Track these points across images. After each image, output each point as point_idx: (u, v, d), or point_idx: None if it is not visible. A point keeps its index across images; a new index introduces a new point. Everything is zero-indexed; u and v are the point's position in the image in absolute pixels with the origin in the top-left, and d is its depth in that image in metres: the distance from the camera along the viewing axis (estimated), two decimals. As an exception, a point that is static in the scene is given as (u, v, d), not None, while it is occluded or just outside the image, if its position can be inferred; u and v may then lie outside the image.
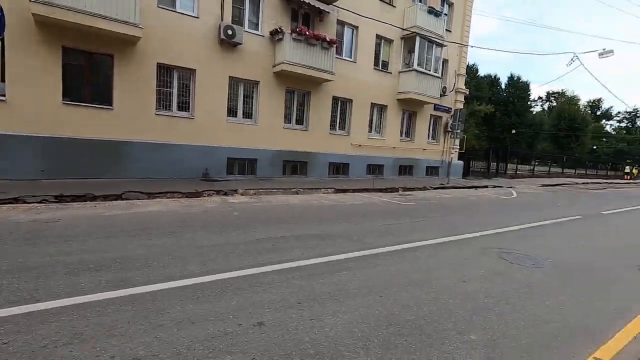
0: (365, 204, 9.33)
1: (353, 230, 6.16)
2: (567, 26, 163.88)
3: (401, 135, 17.10)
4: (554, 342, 2.89)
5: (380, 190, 12.09)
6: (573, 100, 54.52)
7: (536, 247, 5.94)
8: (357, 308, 3.18)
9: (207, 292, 3.26)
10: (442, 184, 14.98)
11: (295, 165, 13.45)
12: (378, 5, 14.75)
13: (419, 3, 15.94)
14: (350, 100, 14.67)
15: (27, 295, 2.95)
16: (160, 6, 9.86)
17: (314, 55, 12.17)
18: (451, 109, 18.31)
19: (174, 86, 10.50)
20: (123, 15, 8.54)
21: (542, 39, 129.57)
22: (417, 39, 15.35)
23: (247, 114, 12.12)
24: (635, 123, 57.90)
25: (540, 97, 62.36)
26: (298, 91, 13.15)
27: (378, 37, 15.08)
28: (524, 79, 44.79)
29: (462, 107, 18.81)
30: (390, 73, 15.81)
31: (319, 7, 12.35)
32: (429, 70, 16.04)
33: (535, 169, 30.08)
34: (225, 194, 9.05)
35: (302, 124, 13.49)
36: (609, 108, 61.13)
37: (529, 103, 46.85)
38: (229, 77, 11.36)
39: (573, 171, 35.25)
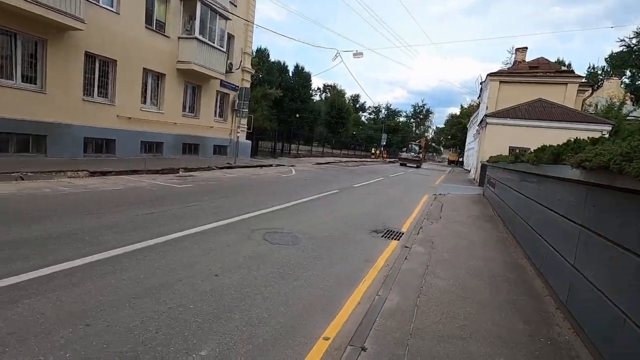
0: (128, 189, 7.63)
1: (90, 227, 4.66)
2: (338, 29, 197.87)
3: (184, 109, 15.47)
4: (287, 339, 2.75)
5: (156, 172, 10.42)
6: (341, 94, 66.61)
7: (300, 222, 6.29)
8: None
9: None
10: (229, 164, 14.60)
11: (25, 140, 9.69)
12: (149, -50, 12.33)
13: (201, -36, 14.44)
14: (114, 61, 11.80)
15: None
16: None
17: (47, -11, 8.81)
18: (238, 87, 18.04)
19: None
20: None
21: (319, 37, 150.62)
22: (199, 3, 13.95)
23: None
24: (378, 116, 77.09)
25: (319, 88, 72.83)
26: (25, 35, 9.35)
27: (150, -11, 12.70)
28: (307, 69, 50.98)
29: (248, 86, 18.88)
30: (169, 37, 13.77)
31: None
32: (213, 43, 15.01)
33: (313, 150, 34.91)
34: None
35: (36, 83, 9.79)
36: (363, 103, 78.67)
37: (310, 91, 53.63)
38: None
39: (340, 151, 43.35)
